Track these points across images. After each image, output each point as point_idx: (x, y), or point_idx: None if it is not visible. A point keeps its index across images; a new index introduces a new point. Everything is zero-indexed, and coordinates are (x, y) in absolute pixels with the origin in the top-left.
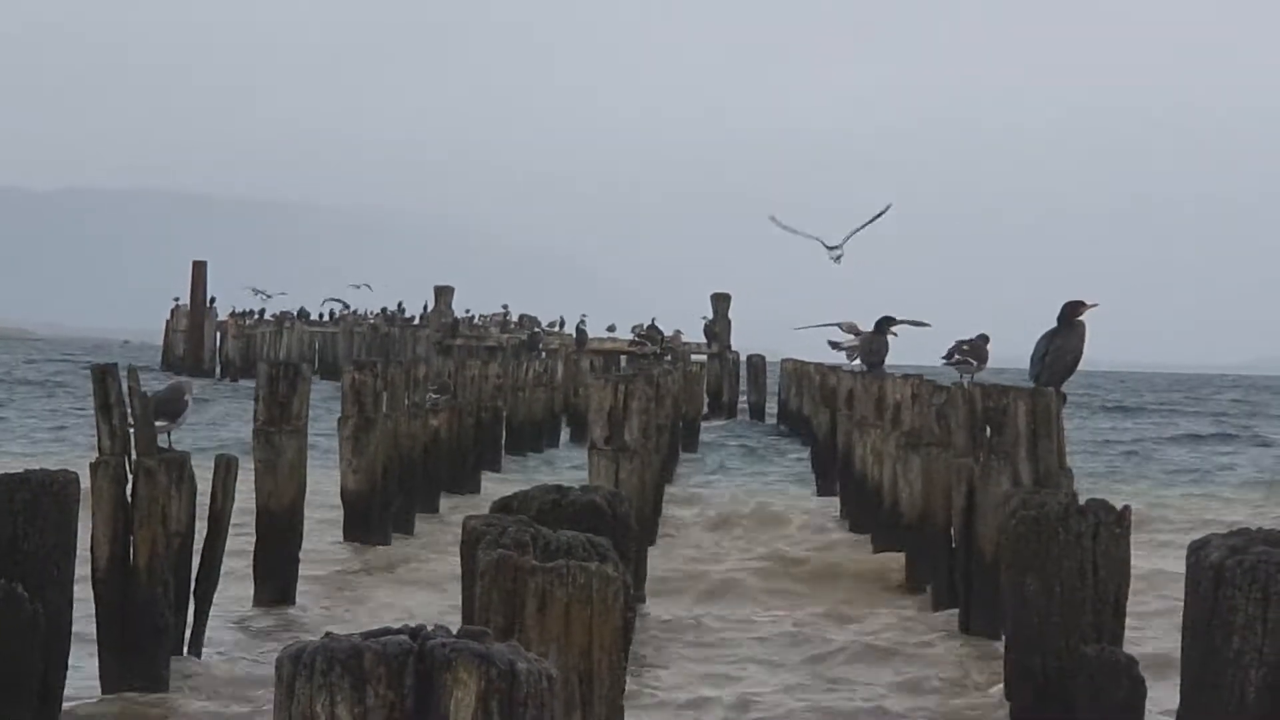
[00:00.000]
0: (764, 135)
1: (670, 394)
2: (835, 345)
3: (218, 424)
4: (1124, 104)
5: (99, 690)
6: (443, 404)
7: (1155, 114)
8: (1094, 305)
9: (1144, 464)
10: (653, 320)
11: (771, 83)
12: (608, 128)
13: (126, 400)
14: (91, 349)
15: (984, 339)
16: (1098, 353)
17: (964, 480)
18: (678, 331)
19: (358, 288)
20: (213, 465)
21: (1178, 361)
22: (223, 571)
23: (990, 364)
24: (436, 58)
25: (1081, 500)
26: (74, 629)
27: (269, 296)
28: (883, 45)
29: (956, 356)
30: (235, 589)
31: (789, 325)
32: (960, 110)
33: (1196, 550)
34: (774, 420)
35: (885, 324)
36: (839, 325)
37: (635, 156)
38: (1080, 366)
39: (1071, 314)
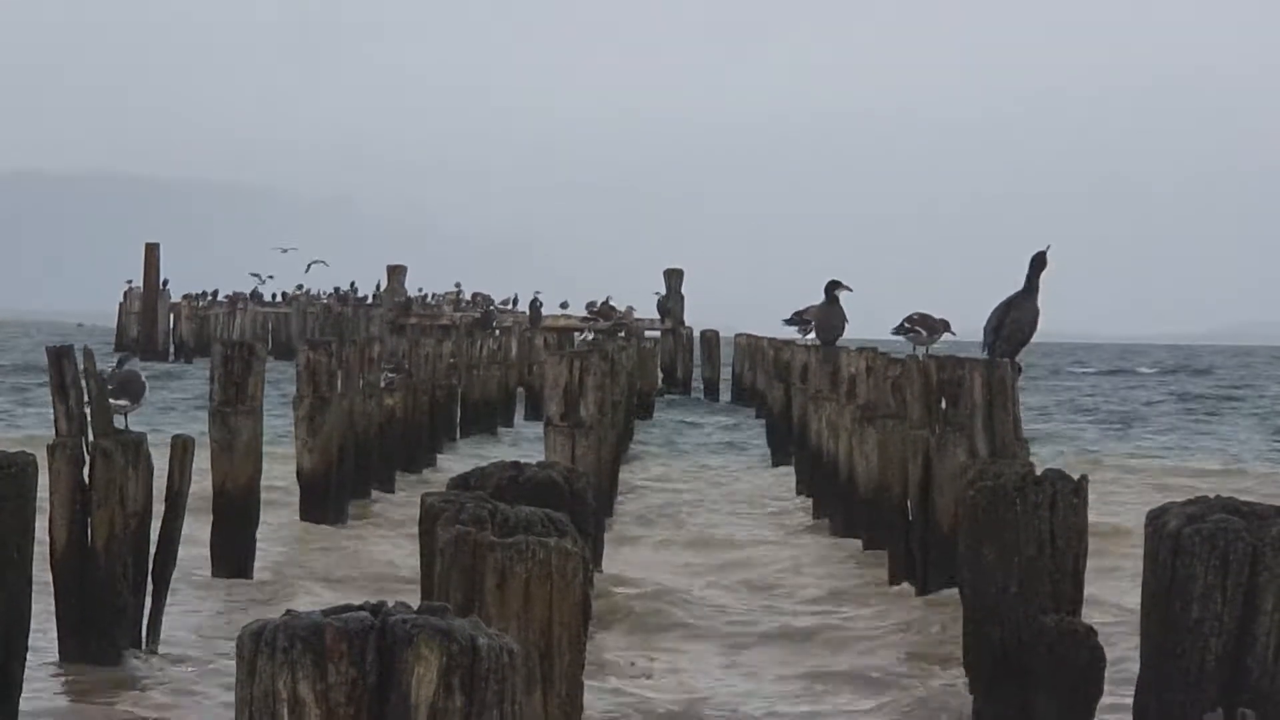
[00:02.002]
0: (715, 116)
1: (625, 370)
2: (790, 322)
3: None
4: (1077, 82)
5: (60, 672)
6: (398, 383)
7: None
8: (1048, 248)
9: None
10: (607, 298)
11: (725, 64)
12: (560, 108)
13: (82, 381)
14: (47, 332)
15: (944, 323)
16: (1058, 325)
17: (920, 452)
18: (630, 308)
19: (293, 260)
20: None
21: (1131, 333)
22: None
23: (950, 339)
24: (390, 41)
25: (1039, 470)
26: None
27: (264, 280)
28: (832, 24)
29: (906, 326)
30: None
31: (743, 301)
32: (902, 94)
33: (1155, 519)
34: (728, 396)
35: (834, 287)
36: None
37: (587, 135)
38: (1041, 339)
39: (1040, 266)
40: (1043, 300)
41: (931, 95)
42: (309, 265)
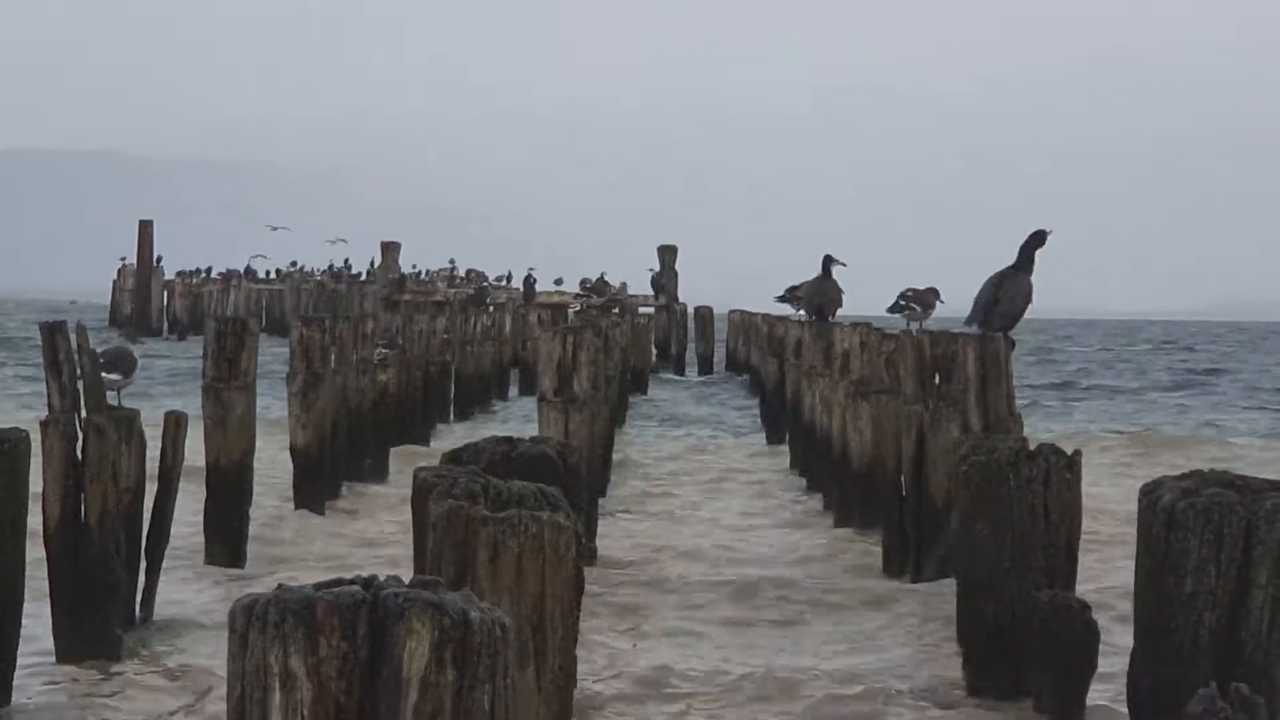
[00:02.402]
0: (713, 92)
1: (618, 345)
2: (784, 298)
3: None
4: (1056, 50)
5: (52, 648)
6: (391, 359)
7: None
8: (1050, 232)
9: None
10: (601, 274)
11: (722, 39)
12: (557, 85)
13: (75, 358)
14: (39, 310)
15: (933, 291)
16: (1048, 300)
17: (914, 427)
18: (623, 284)
19: (287, 238)
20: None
21: (1123, 309)
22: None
23: (940, 314)
24: (385, 14)
25: (1032, 445)
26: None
27: (266, 259)
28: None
29: (901, 303)
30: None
31: (737, 278)
32: (899, 69)
33: (1149, 493)
34: (722, 371)
35: (829, 262)
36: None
37: (581, 110)
38: (1031, 315)
39: (1037, 244)
40: (1036, 277)
41: (928, 70)
42: (333, 241)
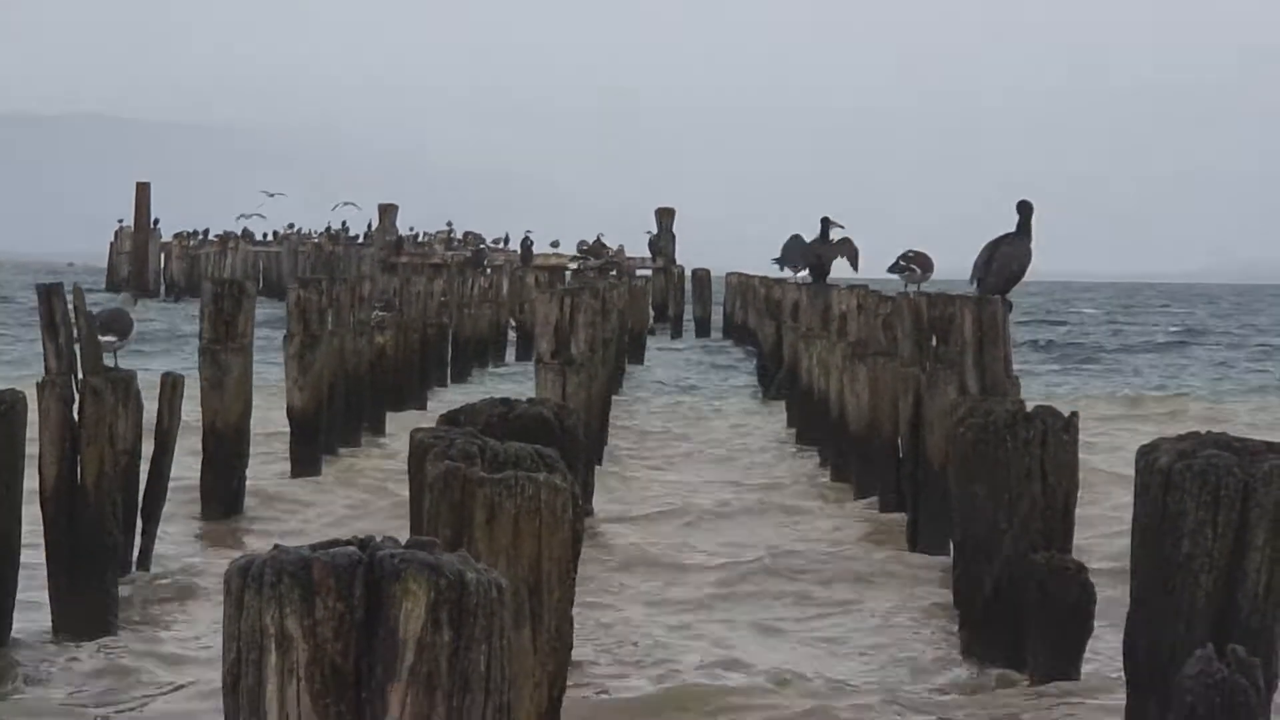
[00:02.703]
0: (699, 49)
1: (616, 308)
2: (780, 261)
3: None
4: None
5: (48, 607)
6: (388, 321)
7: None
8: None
9: None
10: (598, 236)
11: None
12: (546, 43)
13: (72, 319)
14: (37, 272)
15: (929, 260)
16: (1044, 263)
17: (911, 390)
18: (621, 246)
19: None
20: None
21: (1118, 271)
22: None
23: (936, 276)
24: None
25: (1029, 407)
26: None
27: (251, 217)
28: None
29: (901, 263)
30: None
31: (735, 239)
32: (897, 31)
33: (1146, 454)
34: (720, 334)
35: (826, 225)
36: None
37: (581, 71)
38: (1028, 277)
39: (1029, 211)
40: (1035, 241)
41: (929, 32)
42: (337, 206)
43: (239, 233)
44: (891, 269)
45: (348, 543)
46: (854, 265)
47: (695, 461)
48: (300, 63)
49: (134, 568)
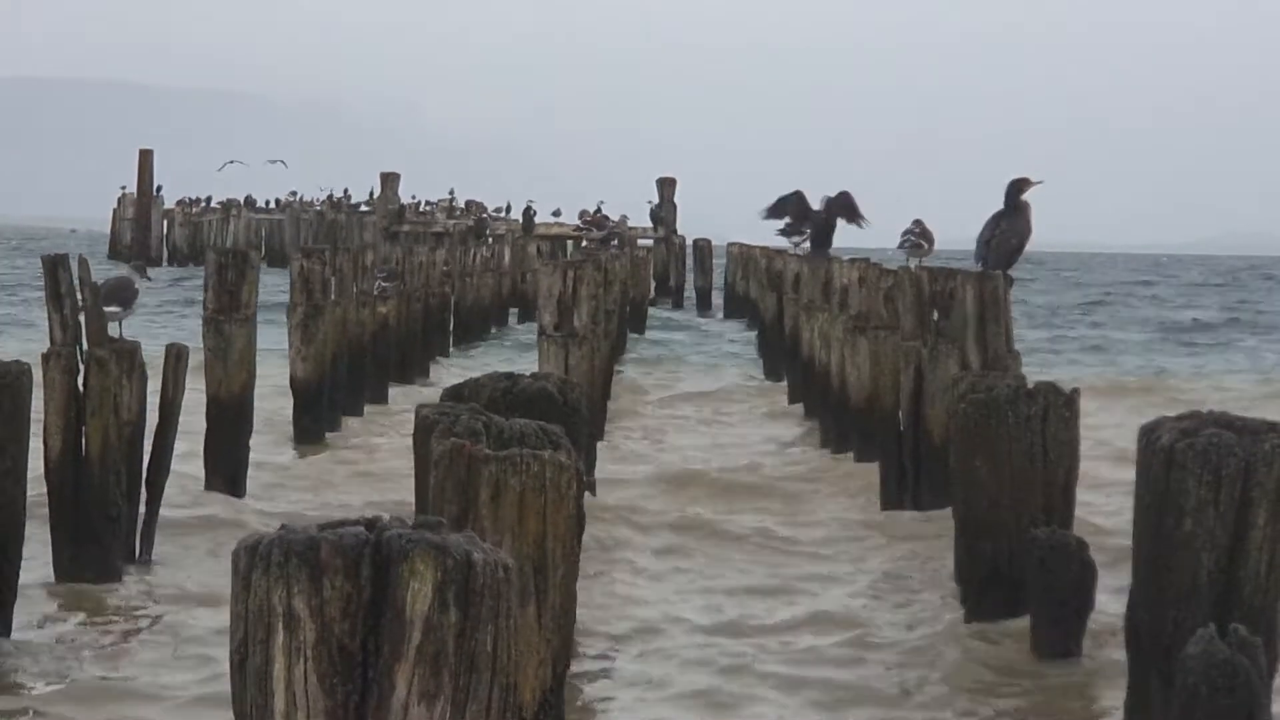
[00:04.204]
0: (700, 23)
1: (618, 279)
2: (784, 232)
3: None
4: None
5: (53, 579)
6: (391, 291)
7: None
8: (1039, 183)
9: None
10: (598, 204)
11: None
12: (551, 14)
13: (77, 290)
14: (39, 238)
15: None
16: (1049, 234)
17: (912, 364)
18: (624, 216)
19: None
20: (163, 354)
21: (1129, 242)
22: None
23: (940, 248)
24: None
25: (1030, 383)
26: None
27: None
28: None
29: (910, 238)
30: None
31: (737, 209)
32: (903, 9)
33: (1148, 433)
34: (720, 305)
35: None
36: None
37: (584, 38)
38: (1031, 249)
39: (1017, 191)
40: (1035, 215)
41: (928, 9)
42: (272, 162)
43: (242, 199)
44: (900, 245)
45: (355, 522)
46: (854, 218)
47: (693, 433)
48: (308, 29)
49: (137, 538)
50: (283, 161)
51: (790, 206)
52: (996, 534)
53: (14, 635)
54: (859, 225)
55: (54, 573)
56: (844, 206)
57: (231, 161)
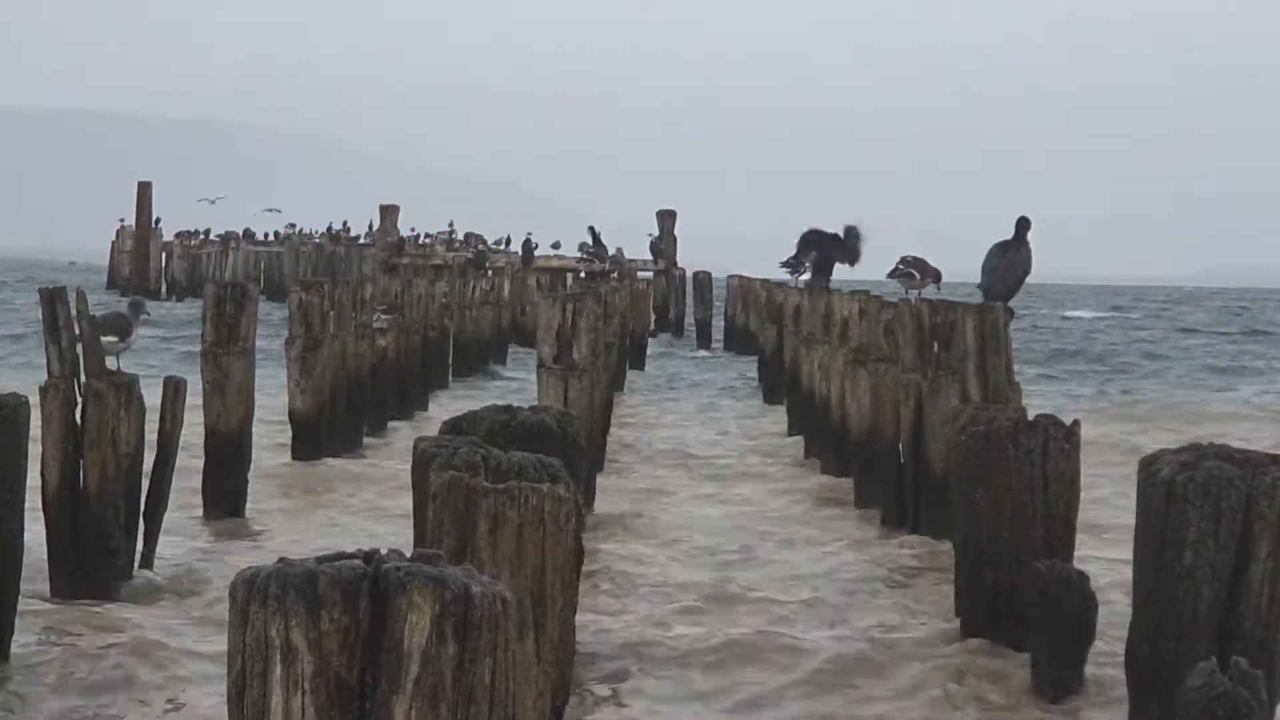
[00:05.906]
0: (706, 53)
1: (618, 311)
2: (787, 265)
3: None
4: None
5: (50, 607)
6: (390, 324)
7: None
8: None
9: None
10: (590, 228)
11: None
12: (550, 47)
13: (75, 323)
14: (38, 271)
15: (937, 273)
16: (1045, 266)
17: (912, 396)
18: (620, 249)
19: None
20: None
21: (1119, 274)
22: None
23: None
24: None
25: (1031, 415)
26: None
27: (214, 202)
28: None
29: (900, 268)
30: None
31: (737, 242)
32: (906, 35)
33: (1148, 466)
34: (720, 338)
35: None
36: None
37: (579, 74)
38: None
39: (1026, 227)
40: (1035, 247)
41: (923, 34)
42: (212, 201)
43: (240, 232)
44: (891, 274)
45: (353, 555)
46: (853, 261)
47: (695, 472)
48: (305, 63)
49: (135, 570)
50: (278, 209)
51: (815, 245)
52: (997, 566)
53: (11, 662)
54: (850, 265)
55: (51, 600)
56: (849, 250)
57: (207, 199)
